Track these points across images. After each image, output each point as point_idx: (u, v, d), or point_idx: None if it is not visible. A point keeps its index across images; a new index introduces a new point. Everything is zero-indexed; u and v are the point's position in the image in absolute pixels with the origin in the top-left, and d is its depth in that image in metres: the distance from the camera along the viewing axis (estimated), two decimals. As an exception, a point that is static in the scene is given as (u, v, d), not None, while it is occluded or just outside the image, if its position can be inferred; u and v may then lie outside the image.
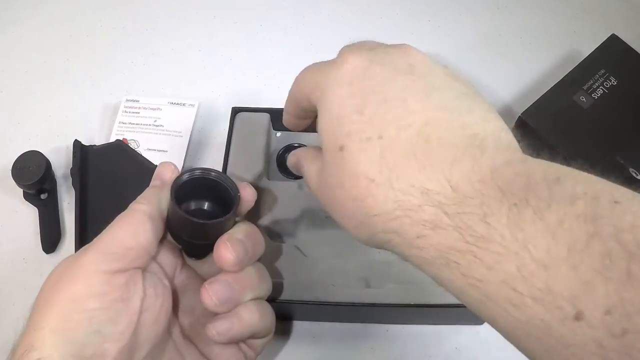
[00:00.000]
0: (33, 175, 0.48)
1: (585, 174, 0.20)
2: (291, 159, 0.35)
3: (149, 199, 0.30)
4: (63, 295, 0.25)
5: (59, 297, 0.25)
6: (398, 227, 0.22)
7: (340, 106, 0.25)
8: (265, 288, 0.33)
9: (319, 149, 0.28)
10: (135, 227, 0.28)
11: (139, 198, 0.31)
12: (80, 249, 0.28)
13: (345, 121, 0.24)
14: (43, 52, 0.60)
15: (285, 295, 0.39)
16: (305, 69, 0.29)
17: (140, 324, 0.27)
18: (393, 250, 0.23)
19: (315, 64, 0.29)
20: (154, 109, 0.54)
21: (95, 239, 0.28)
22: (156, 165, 0.48)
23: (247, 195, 0.33)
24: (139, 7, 0.64)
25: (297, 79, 0.30)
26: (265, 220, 0.43)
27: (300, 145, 0.49)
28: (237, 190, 0.31)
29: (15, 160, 0.48)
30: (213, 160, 0.53)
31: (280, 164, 0.49)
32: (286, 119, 0.33)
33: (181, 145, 0.52)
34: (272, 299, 0.39)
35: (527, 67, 0.59)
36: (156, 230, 0.29)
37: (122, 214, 0.29)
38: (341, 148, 0.24)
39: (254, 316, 0.31)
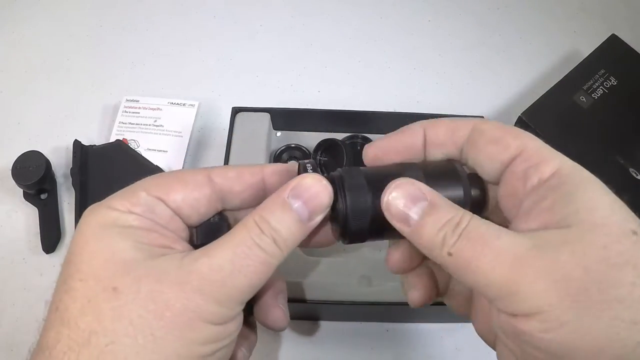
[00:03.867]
0: (33, 175, 0.48)
1: None
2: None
3: (288, 244, 0.23)
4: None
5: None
6: None
7: None
8: None
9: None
10: (252, 278, 0.23)
11: (277, 237, 0.23)
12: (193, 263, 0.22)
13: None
14: (43, 52, 0.60)
15: (285, 295, 0.39)
16: None
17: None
18: None
19: None
20: (154, 109, 0.54)
21: (207, 274, 0.22)
22: (156, 166, 0.49)
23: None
24: (139, 7, 0.64)
25: None
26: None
27: (297, 146, 0.49)
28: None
29: (15, 160, 0.48)
30: (213, 160, 0.53)
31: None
32: None
33: (181, 145, 0.52)
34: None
35: (527, 67, 0.59)
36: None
37: (245, 251, 0.22)
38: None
39: None
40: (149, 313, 0.21)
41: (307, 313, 0.44)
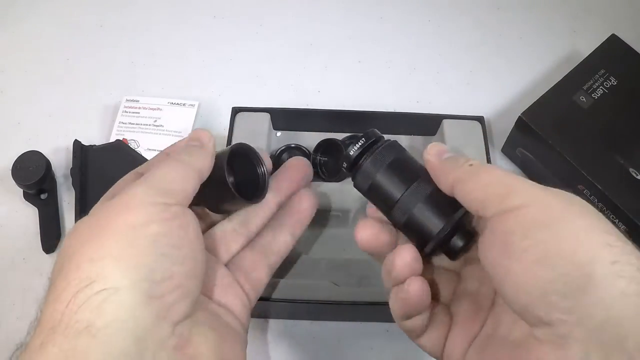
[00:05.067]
0: (33, 175, 0.48)
1: None
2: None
3: (197, 156, 0.30)
4: (120, 223, 0.24)
5: (115, 226, 0.24)
6: None
7: None
8: None
9: None
10: (186, 177, 0.28)
11: (183, 151, 0.30)
12: (123, 186, 0.28)
13: None
14: (43, 52, 0.60)
15: (286, 295, 0.39)
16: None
17: (197, 251, 0.27)
18: None
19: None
20: (154, 109, 0.54)
21: (141, 178, 0.28)
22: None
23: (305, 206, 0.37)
24: (139, 7, 0.64)
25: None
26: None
27: (297, 146, 0.49)
28: (265, 179, 0.35)
29: (15, 160, 0.48)
30: (213, 160, 0.53)
31: (277, 164, 0.49)
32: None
33: (181, 145, 0.52)
34: (272, 299, 0.39)
35: (527, 67, 0.59)
36: (197, 186, 0.29)
37: (170, 161, 0.29)
38: None
39: None
40: (102, 207, 0.26)
41: (307, 313, 0.44)
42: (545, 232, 0.22)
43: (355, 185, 0.32)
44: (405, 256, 0.28)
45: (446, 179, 0.28)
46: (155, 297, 0.24)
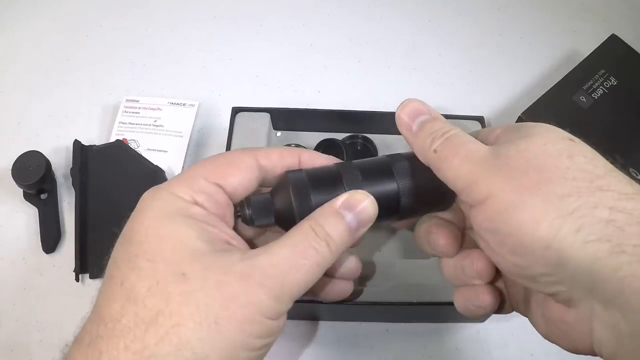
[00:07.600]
0: (33, 175, 0.48)
1: None
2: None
3: (339, 249, 0.26)
4: (229, 312, 0.23)
5: (221, 307, 0.23)
6: None
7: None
8: None
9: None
10: (309, 282, 0.25)
11: (330, 241, 0.25)
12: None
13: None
14: (43, 52, 0.60)
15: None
16: None
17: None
18: None
19: None
20: (154, 109, 0.54)
21: (267, 268, 0.24)
22: (156, 166, 0.49)
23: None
24: (139, 7, 0.64)
25: None
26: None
27: (298, 146, 0.49)
28: None
29: (15, 160, 0.48)
30: (213, 160, 0.53)
31: None
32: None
33: (181, 145, 0.52)
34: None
35: (527, 67, 0.59)
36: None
37: (309, 260, 0.24)
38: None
39: None
40: (215, 302, 0.22)
41: (307, 313, 0.44)
42: (508, 224, 0.23)
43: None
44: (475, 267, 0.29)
45: (419, 155, 0.27)
46: None
